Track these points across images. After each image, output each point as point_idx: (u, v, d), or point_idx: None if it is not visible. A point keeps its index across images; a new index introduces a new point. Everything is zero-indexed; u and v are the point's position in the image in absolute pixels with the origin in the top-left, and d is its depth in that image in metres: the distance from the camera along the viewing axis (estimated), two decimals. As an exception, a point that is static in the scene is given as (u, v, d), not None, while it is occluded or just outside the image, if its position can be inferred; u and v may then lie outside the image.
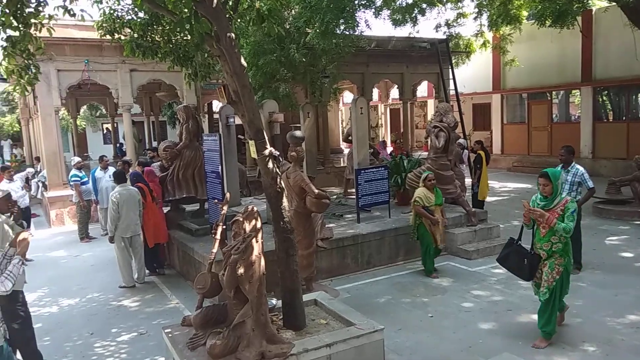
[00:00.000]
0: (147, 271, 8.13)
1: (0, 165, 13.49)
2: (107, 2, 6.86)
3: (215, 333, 4.09)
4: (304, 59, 10.82)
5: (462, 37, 17.38)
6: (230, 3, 4.65)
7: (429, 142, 9.27)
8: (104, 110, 23.78)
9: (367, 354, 4.30)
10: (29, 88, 5.45)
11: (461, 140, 11.00)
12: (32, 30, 4.89)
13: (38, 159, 15.31)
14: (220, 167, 7.69)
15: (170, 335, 4.47)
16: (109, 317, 6.56)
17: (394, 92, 22.11)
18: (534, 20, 14.14)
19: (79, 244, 10.76)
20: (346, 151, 16.95)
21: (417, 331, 5.55)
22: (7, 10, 4.55)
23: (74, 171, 10.97)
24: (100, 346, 5.67)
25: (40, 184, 13.46)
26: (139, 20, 6.70)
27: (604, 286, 6.62)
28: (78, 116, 22.96)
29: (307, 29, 10.52)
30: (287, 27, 10.71)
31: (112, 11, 6.97)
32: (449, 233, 8.17)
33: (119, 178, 7.88)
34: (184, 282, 7.90)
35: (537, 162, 17.61)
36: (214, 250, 4.40)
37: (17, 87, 5.45)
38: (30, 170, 13.76)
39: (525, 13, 14.91)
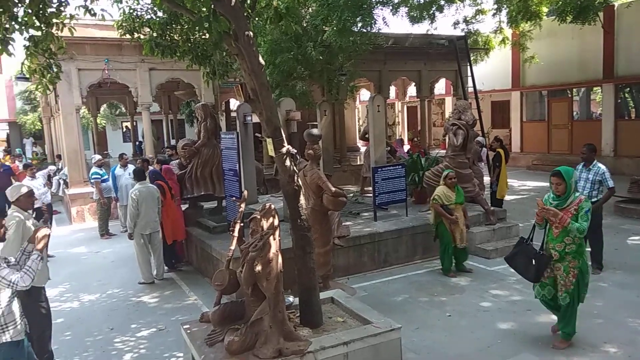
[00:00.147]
0: (165, 268, 8.22)
1: (23, 162, 13.77)
2: (126, 2, 6.94)
3: (233, 330, 4.11)
4: (320, 57, 10.82)
5: (480, 33, 17.21)
6: (249, 1, 4.67)
7: (447, 140, 9.19)
8: (123, 108, 24.07)
9: (384, 353, 4.28)
10: (50, 87, 5.55)
11: (480, 138, 10.89)
12: (54, 30, 4.97)
13: (59, 157, 15.58)
14: (237, 165, 7.74)
15: (188, 331, 4.51)
16: (128, 313, 6.65)
17: (412, 90, 21.99)
18: (554, 17, 13.96)
19: (99, 240, 10.93)
20: (363, 149, 16.91)
21: (434, 330, 5.52)
22: (30, 10, 4.64)
23: (94, 169, 11.13)
24: (120, 341, 5.76)
25: (62, 182, 13.68)
26: (158, 19, 6.77)
27: (625, 287, 6.50)
28: (98, 114, 23.30)
29: (324, 26, 10.51)
30: (304, 25, 10.72)
31: (131, 10, 7.04)
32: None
33: (138, 176, 7.97)
34: (202, 278, 7.97)
35: (557, 161, 17.33)
36: (232, 248, 4.43)
37: (39, 86, 5.55)
38: (52, 167, 13.99)
39: (545, 9, 14.69)
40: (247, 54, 4.11)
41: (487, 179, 10.43)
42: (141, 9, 7.06)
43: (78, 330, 6.14)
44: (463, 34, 15.79)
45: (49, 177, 12.28)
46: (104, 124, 27.09)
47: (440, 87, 22.48)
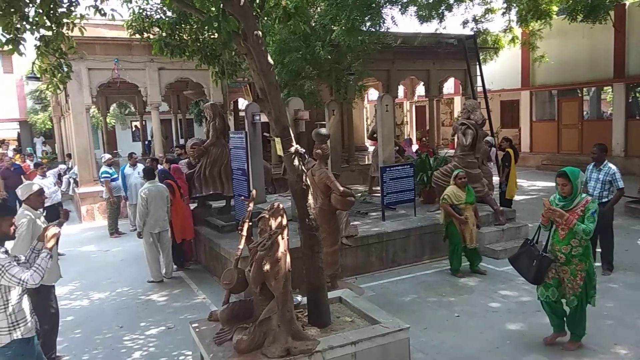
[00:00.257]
0: (174, 266, 8.26)
1: (34, 161, 13.89)
2: (136, 2, 6.98)
3: (242, 328, 4.12)
4: (329, 57, 10.81)
5: (490, 33, 17.11)
6: (258, 1, 4.68)
7: (456, 140, 9.16)
8: (132, 108, 24.21)
9: (393, 353, 4.27)
10: (61, 86, 5.59)
11: (489, 138, 10.84)
12: (64, 30, 5.01)
13: (69, 156, 15.70)
14: (246, 164, 7.76)
15: (197, 329, 4.53)
16: (137, 311, 6.69)
17: (420, 89, 21.91)
18: (564, 15, 13.85)
19: (108, 239, 11.00)
20: (371, 149, 16.88)
21: (443, 331, 5.50)
22: (41, 10, 4.67)
23: (104, 168, 11.22)
24: (129, 339, 5.79)
25: (72, 180, 13.79)
26: (167, 19, 6.80)
27: (636, 288, 6.45)
28: (108, 114, 23.45)
29: (332, 26, 10.50)
30: (313, 24, 10.72)
31: (141, 10, 7.08)
32: (475, 232, 8.06)
33: (148, 175, 8.02)
34: (210, 277, 8.00)
35: (567, 160, 17.20)
36: (241, 247, 4.44)
37: (50, 86, 5.60)
38: (63, 166, 14.13)
39: (555, 8, 14.59)
40: (256, 54, 4.12)
41: (496, 179, 10.37)
42: (151, 8, 7.10)
43: (88, 328, 6.19)
44: (472, 33, 15.70)
45: (60, 176, 12.41)
46: (113, 123, 27.27)
47: (449, 86, 22.39)
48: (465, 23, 15.81)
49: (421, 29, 18.02)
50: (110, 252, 9.96)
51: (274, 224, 4.12)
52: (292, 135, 4.44)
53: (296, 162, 4.38)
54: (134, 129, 29.42)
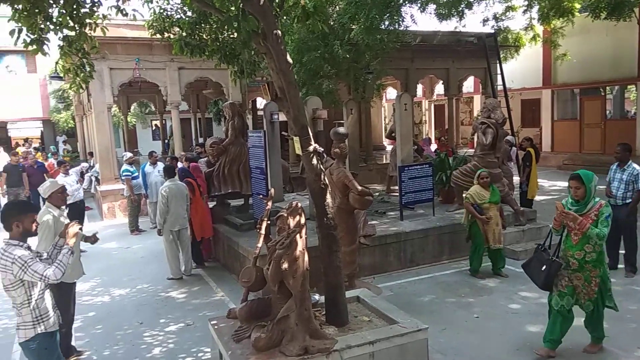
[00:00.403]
0: (193, 264, 8.34)
1: (57, 160, 14.15)
2: (157, 2, 7.07)
3: (260, 326, 4.15)
4: (347, 55, 10.79)
5: (510, 30, 16.87)
6: (277, 0, 4.69)
7: (476, 139, 9.06)
8: (153, 107, 24.49)
9: (411, 353, 4.25)
10: (83, 86, 5.68)
11: (509, 137, 10.70)
12: (87, 30, 5.09)
13: (91, 154, 15.95)
14: (264, 163, 7.79)
15: (216, 327, 4.56)
16: (157, 308, 6.77)
17: (439, 88, 21.73)
18: (587, 13, 13.58)
19: (129, 236, 11.16)
20: (389, 148, 16.80)
21: (462, 332, 5.46)
22: (64, 11, 4.76)
23: (125, 166, 11.37)
24: (149, 335, 5.87)
25: (93, 178, 14.01)
26: (187, 19, 6.87)
27: (661, 291, 6.31)
28: (129, 113, 23.76)
29: (351, 25, 10.48)
30: (332, 23, 10.71)
31: (161, 10, 7.17)
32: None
33: (168, 173, 8.11)
34: (228, 275, 8.05)
35: (590, 160, 16.92)
36: (259, 245, 4.46)
37: (73, 85, 5.70)
38: (85, 164, 14.35)
39: (578, 5, 14.30)
40: (275, 53, 4.14)
41: (516, 179, 10.25)
42: (171, 8, 7.18)
43: (109, 323, 6.28)
44: (492, 31, 15.51)
45: (82, 174, 12.61)
46: (134, 122, 27.61)
47: (468, 85, 22.16)
48: (485, 21, 15.62)
49: (440, 27, 17.86)
50: (130, 249, 10.10)
51: (292, 222, 4.13)
52: (311, 134, 4.44)
53: (314, 161, 4.38)
54: (154, 127, 29.75)
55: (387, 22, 10.39)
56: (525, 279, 6.86)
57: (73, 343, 5.43)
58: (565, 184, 5.03)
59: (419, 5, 11.50)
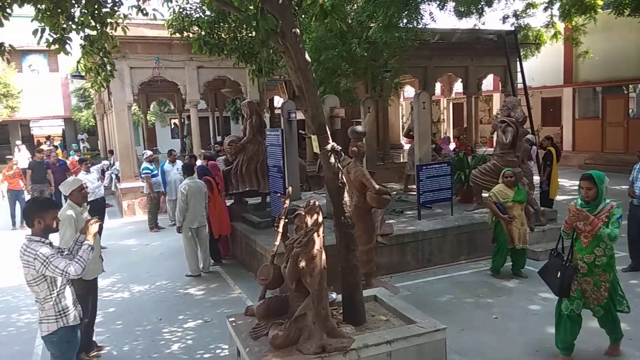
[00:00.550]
0: (211, 261, 8.40)
1: (78, 157, 14.39)
2: (176, 1, 7.13)
3: (277, 324, 4.16)
4: (365, 54, 10.75)
5: (531, 28, 16.65)
6: (295, -1, 4.69)
7: (495, 138, 8.96)
8: (172, 106, 24.72)
9: (428, 353, 4.22)
10: (104, 84, 5.76)
11: (529, 136, 10.55)
12: (108, 29, 5.16)
13: (112, 152, 16.18)
14: (282, 161, 7.81)
15: (234, 324, 4.59)
16: (176, 304, 6.85)
17: (458, 86, 21.54)
18: (610, 10, 13.34)
19: (148, 233, 11.29)
20: (406, 147, 16.71)
21: (480, 332, 5.41)
22: (86, 11, 4.83)
23: (145, 164, 11.51)
24: (168, 332, 5.93)
25: (114, 176, 14.21)
26: (206, 18, 6.92)
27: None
28: (148, 111, 24.03)
29: (369, 23, 10.44)
30: (350, 21, 10.68)
31: (181, 10, 7.23)
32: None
33: (187, 171, 8.18)
34: (246, 272, 8.10)
35: (612, 160, 16.62)
36: (277, 243, 4.47)
37: (94, 84, 5.78)
38: (106, 162, 14.56)
39: (600, 2, 14.06)
40: (293, 51, 4.14)
41: (536, 178, 10.10)
42: (190, 7, 7.24)
43: (128, 319, 6.37)
44: (513, 28, 15.32)
45: (103, 172, 12.81)
46: (153, 121, 27.92)
47: (487, 83, 21.94)
48: (505, 18, 15.45)
49: (459, 24, 17.71)
50: (150, 246, 10.22)
51: (310, 221, 4.13)
52: (329, 132, 4.44)
53: (332, 159, 4.38)
54: (172, 126, 30.05)
55: (405, 20, 10.32)
56: (545, 280, 6.81)
57: (94, 338, 5.51)
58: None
59: (437, 2, 11.40)
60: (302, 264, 3.94)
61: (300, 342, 3.97)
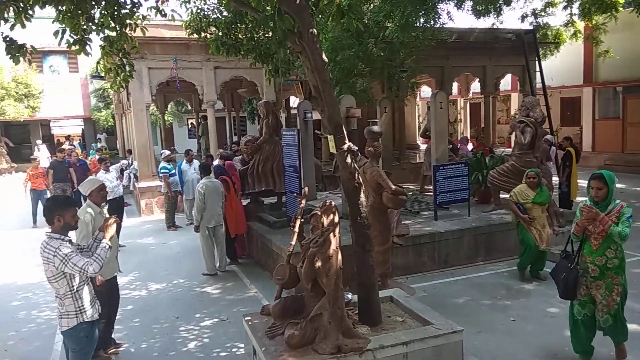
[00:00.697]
0: (228, 260, 8.45)
1: (97, 157, 14.59)
2: (194, 2, 7.19)
3: (293, 324, 4.16)
4: (382, 53, 10.71)
5: (550, 27, 16.42)
6: (312, -1, 4.70)
7: (513, 138, 8.86)
8: (189, 106, 24.92)
9: (445, 355, 4.19)
10: (124, 85, 5.84)
11: (549, 137, 10.42)
12: (127, 31, 5.23)
13: (130, 152, 16.37)
14: (297, 161, 7.83)
15: (250, 323, 4.61)
16: (192, 303, 6.90)
17: (475, 86, 21.35)
18: (632, 8, 13.07)
19: (166, 232, 11.40)
20: (423, 147, 16.61)
21: (497, 335, 5.35)
22: (106, 12, 4.90)
23: (163, 163, 11.62)
24: (184, 330, 5.98)
25: (132, 175, 14.37)
26: (223, 18, 6.96)
27: None
28: (166, 112, 24.27)
29: (386, 22, 10.40)
30: (366, 21, 10.64)
31: (199, 10, 7.28)
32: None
33: (204, 170, 8.25)
34: (261, 272, 8.13)
35: (633, 161, 16.33)
36: (292, 243, 4.48)
37: (114, 84, 5.86)
38: (125, 162, 14.74)
39: (621, 0, 13.80)
40: (310, 52, 4.14)
41: (555, 179, 9.97)
42: (208, 8, 7.29)
43: (146, 317, 6.44)
44: (531, 27, 15.13)
45: (122, 171, 12.97)
46: (170, 121, 28.19)
47: (505, 83, 21.70)
48: (524, 17, 15.25)
49: (477, 23, 17.56)
50: (167, 244, 10.31)
51: (326, 221, 4.13)
52: (345, 132, 4.43)
53: (349, 159, 4.37)
54: (190, 126, 30.31)
55: (422, 20, 10.25)
56: (564, 282, 6.71)
57: (112, 336, 5.58)
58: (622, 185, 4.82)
59: (455, 1, 11.31)
60: (318, 264, 3.94)
61: (316, 342, 3.97)
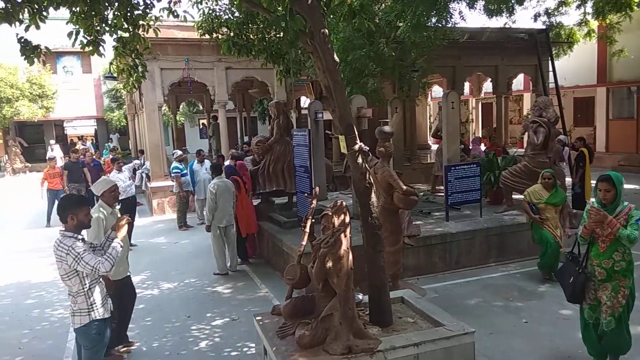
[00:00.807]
0: (238, 260, 8.48)
1: (110, 157, 14.72)
2: (206, 3, 7.23)
3: (304, 324, 4.17)
4: (393, 53, 10.68)
5: (563, 26, 16.26)
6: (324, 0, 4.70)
7: (526, 139, 8.78)
8: (200, 106, 25.05)
9: (456, 357, 4.17)
10: (136, 85, 5.88)
11: (562, 137, 10.33)
12: (140, 31, 5.27)
13: (142, 152, 16.49)
14: (308, 161, 7.83)
15: (261, 322, 4.62)
16: (204, 302, 6.93)
17: (487, 86, 21.21)
18: (647, 6, 12.92)
19: (177, 231, 11.46)
20: (434, 147, 16.53)
21: (510, 336, 5.31)
22: (119, 13, 4.94)
23: (175, 163, 11.70)
24: (196, 329, 6.01)
25: (144, 175, 14.48)
26: (235, 19, 6.98)
27: None
28: (178, 112, 24.42)
29: (397, 22, 10.36)
30: (377, 21, 10.62)
31: (210, 11, 7.32)
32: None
33: (216, 170, 8.28)
34: (272, 272, 8.15)
35: (648, 162, 16.12)
36: (303, 243, 4.48)
37: (127, 85, 5.90)
38: (137, 162, 14.86)
39: (636, -1, 13.63)
40: (322, 52, 4.14)
41: (568, 180, 9.88)
42: (219, 9, 7.32)
43: (158, 316, 6.48)
44: (544, 27, 14.99)
45: (134, 171, 13.07)
46: (182, 121, 28.36)
47: (517, 82, 21.54)
48: (536, 16, 15.11)
49: (489, 23, 17.44)
50: (178, 244, 10.37)
51: (337, 221, 4.13)
52: (356, 133, 4.43)
53: (360, 159, 4.36)
54: (201, 126, 30.47)
55: (434, 19, 10.21)
56: (578, 284, 6.63)
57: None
58: (630, 185, 4.73)
59: (467, 1, 11.24)
60: (329, 264, 3.94)
61: (326, 342, 3.97)
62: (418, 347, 4.03)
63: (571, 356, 4.84)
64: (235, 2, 6.58)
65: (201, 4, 7.11)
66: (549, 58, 14.47)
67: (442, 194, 8.79)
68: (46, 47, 4.72)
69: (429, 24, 10.14)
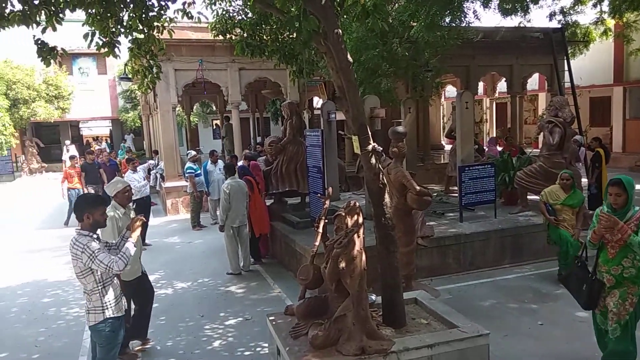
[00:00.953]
0: (252, 260, 8.51)
1: (126, 157, 14.86)
2: (220, 4, 7.26)
3: (317, 324, 4.16)
4: (406, 53, 10.62)
5: (579, 25, 16.06)
6: (337, 0, 4.69)
7: (541, 139, 8.69)
8: (214, 107, 25.18)
9: (471, 359, 4.13)
10: (151, 86, 5.93)
11: (578, 137, 10.19)
12: (155, 33, 5.31)
13: (156, 152, 16.62)
14: (321, 162, 7.83)
15: (274, 322, 4.62)
16: (217, 302, 6.96)
17: (501, 86, 21.02)
18: (666, 4, 12.71)
19: (191, 231, 11.53)
20: (447, 147, 16.44)
21: (525, 339, 5.26)
22: (134, 15, 4.98)
23: (189, 164, 11.77)
24: (209, 328, 6.04)
25: (159, 175, 14.59)
26: (248, 20, 7.00)
27: None
28: (191, 113, 24.57)
29: (411, 22, 10.31)
30: (391, 21, 10.58)
31: (224, 12, 7.35)
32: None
33: (229, 171, 8.32)
34: (285, 272, 8.16)
35: (666, 162, 15.85)
36: (316, 243, 4.48)
37: (141, 86, 5.95)
38: (152, 162, 14.98)
39: (655, -4, 13.41)
40: (335, 52, 4.14)
41: (584, 181, 9.75)
42: (233, 10, 7.35)
43: (172, 315, 6.52)
44: (560, 26, 14.82)
45: (149, 171, 13.18)
46: (196, 122, 28.52)
47: (532, 82, 21.31)
48: (552, 15, 14.93)
49: (504, 22, 17.28)
50: (192, 244, 10.44)
51: (350, 221, 4.12)
52: (369, 133, 4.41)
53: (373, 160, 4.35)
54: (214, 127, 30.63)
55: (448, 19, 10.14)
56: (594, 286, 6.54)
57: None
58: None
59: (481, 0, 11.15)
60: (342, 264, 3.93)
61: (339, 342, 3.96)
62: (432, 349, 4.01)
63: (587, 359, 4.77)
64: (248, 3, 6.61)
65: (215, 5, 7.14)
66: (565, 57, 14.31)
67: (456, 195, 8.72)
68: (62, 49, 4.78)
69: (443, 23, 10.07)
